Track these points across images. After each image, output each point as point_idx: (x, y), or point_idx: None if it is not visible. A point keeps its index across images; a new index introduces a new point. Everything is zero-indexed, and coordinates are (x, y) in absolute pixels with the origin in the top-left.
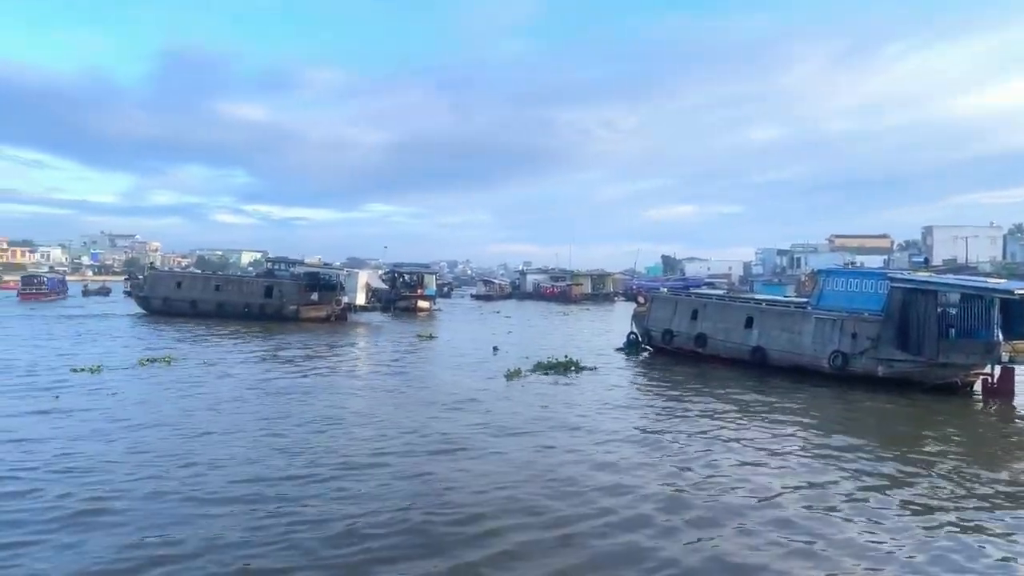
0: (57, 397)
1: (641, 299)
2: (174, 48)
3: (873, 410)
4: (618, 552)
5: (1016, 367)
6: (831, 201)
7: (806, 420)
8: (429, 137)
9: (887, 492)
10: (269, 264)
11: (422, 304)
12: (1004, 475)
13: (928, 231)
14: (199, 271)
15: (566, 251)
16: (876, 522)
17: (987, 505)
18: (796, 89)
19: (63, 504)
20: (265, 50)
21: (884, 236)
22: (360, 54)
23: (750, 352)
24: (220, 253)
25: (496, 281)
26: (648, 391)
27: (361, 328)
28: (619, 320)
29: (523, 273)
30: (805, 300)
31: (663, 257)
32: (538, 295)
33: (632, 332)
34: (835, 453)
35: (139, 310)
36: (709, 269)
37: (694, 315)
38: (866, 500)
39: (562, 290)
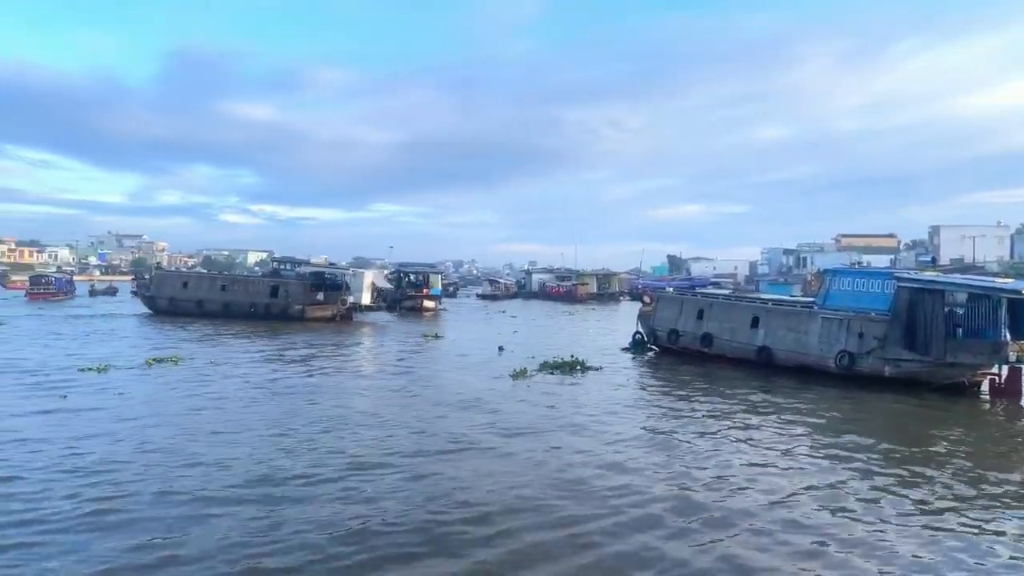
0: (64, 396)
1: (647, 299)
2: (181, 48)
3: (880, 410)
4: (630, 553)
5: None
6: (837, 200)
7: (813, 420)
8: (435, 137)
9: (896, 492)
10: (275, 264)
11: (428, 304)
12: (1014, 475)
13: (935, 230)
14: (205, 271)
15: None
16: (886, 522)
17: (997, 505)
18: (802, 88)
19: (70, 504)
20: (271, 50)
21: (891, 236)
22: (366, 54)
23: (756, 352)
24: (227, 253)
25: (502, 281)
26: (655, 391)
27: (367, 328)
28: (625, 320)
29: (529, 273)
30: (811, 300)
31: (669, 257)
32: (544, 295)
33: (638, 332)
34: (843, 453)
35: (145, 310)
36: (715, 269)
37: (700, 315)
38: (876, 501)
39: (568, 290)
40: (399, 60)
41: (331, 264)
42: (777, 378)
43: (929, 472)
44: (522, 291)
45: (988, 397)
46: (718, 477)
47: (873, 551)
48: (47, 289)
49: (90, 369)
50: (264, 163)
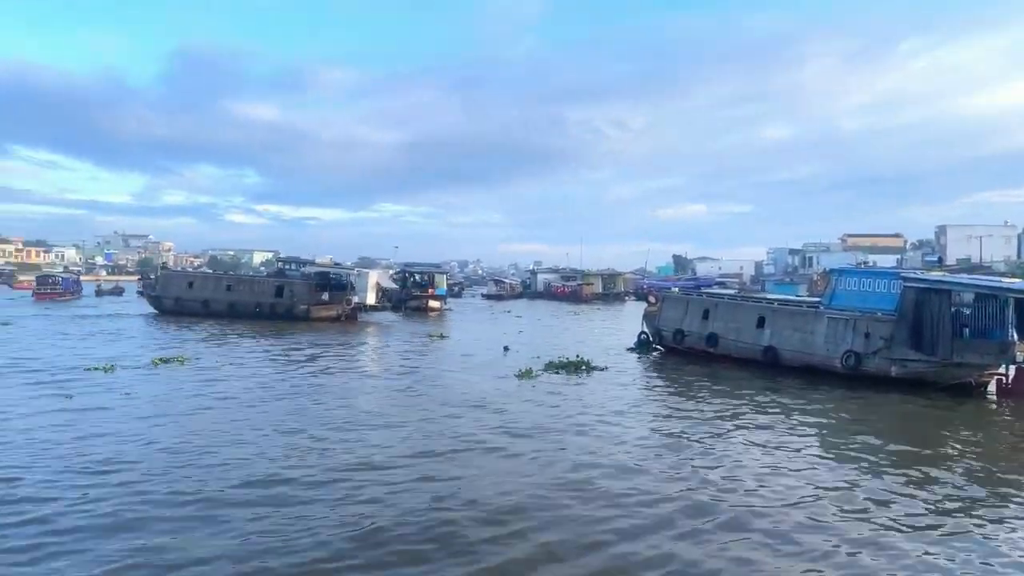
0: (71, 396)
1: (652, 299)
2: (184, 48)
3: (888, 410)
4: (641, 554)
5: None
6: (842, 200)
7: (821, 420)
8: (439, 136)
9: (906, 492)
10: (280, 264)
11: (433, 304)
12: (1023, 476)
13: (942, 230)
14: (211, 271)
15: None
16: (896, 522)
17: (1006, 505)
18: (805, 88)
19: (77, 504)
20: (274, 50)
21: (897, 235)
22: (369, 54)
23: (762, 352)
24: (232, 253)
25: (507, 281)
26: (661, 391)
27: (372, 328)
28: (630, 320)
29: (534, 272)
30: (817, 300)
31: (674, 257)
32: (549, 295)
33: (643, 332)
34: (852, 453)
35: (151, 310)
36: (720, 269)
37: (705, 315)
38: (886, 501)
39: (573, 290)
40: (402, 60)
41: (336, 264)
42: (783, 378)
43: (938, 472)
44: (527, 291)
45: (995, 397)
46: (728, 478)
47: (884, 551)
48: (54, 289)
49: (96, 369)
50: (269, 163)
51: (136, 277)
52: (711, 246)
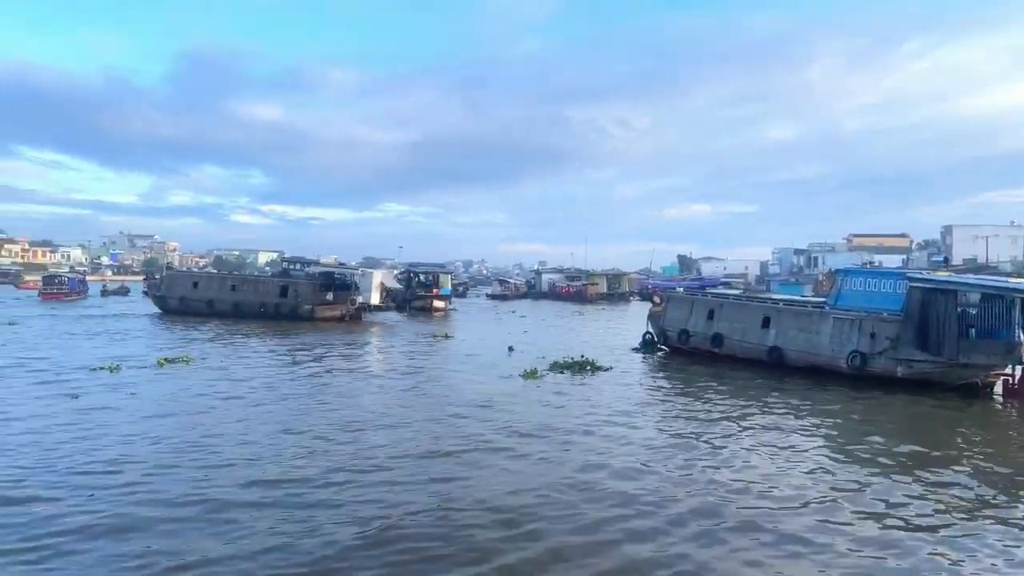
0: (76, 396)
1: (657, 299)
2: (190, 49)
3: (896, 411)
4: (653, 556)
5: None
6: (846, 200)
7: (829, 421)
8: (443, 136)
9: (916, 494)
10: (285, 264)
11: (437, 304)
12: None
13: (947, 230)
14: (215, 271)
15: (581, 250)
16: (908, 523)
17: (1017, 506)
18: (809, 88)
19: (82, 507)
20: (278, 50)
21: (903, 235)
22: (372, 54)
23: (767, 352)
24: (237, 253)
25: (511, 281)
26: (667, 391)
27: (376, 328)
28: (635, 320)
29: (538, 272)
30: (823, 300)
31: (679, 257)
32: (553, 295)
33: (648, 332)
34: (861, 455)
35: (156, 310)
36: (725, 269)
37: (710, 315)
38: (897, 503)
39: (578, 290)
40: (404, 60)
41: (341, 264)
42: (789, 379)
43: (947, 473)
44: (532, 291)
45: (1002, 398)
46: (738, 479)
47: (895, 552)
48: (60, 289)
49: (102, 368)
50: (273, 163)
51: (141, 277)
52: (716, 246)
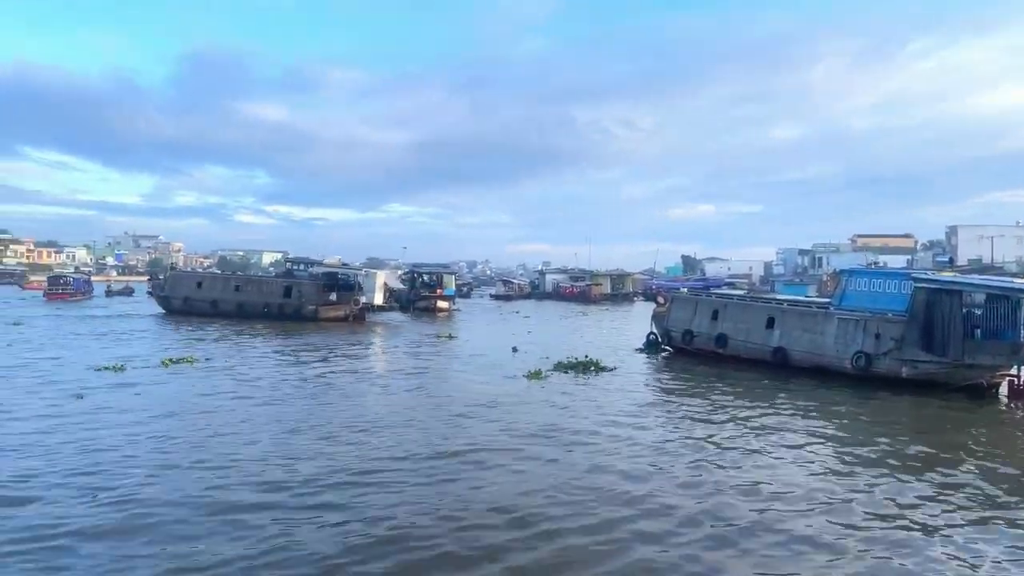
0: (81, 396)
1: (661, 299)
2: (195, 49)
3: (901, 412)
4: (666, 558)
5: None
6: (851, 200)
7: (836, 422)
8: (446, 136)
9: (927, 495)
10: (288, 264)
11: (441, 304)
12: None
13: (952, 231)
14: (219, 271)
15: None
16: (919, 524)
17: None
18: (816, 88)
19: (87, 508)
20: (282, 51)
21: (908, 236)
22: (376, 54)
23: (771, 353)
24: (242, 253)
25: (515, 281)
26: (672, 392)
27: (380, 328)
28: (639, 320)
29: (542, 273)
30: (827, 300)
31: (683, 257)
32: (558, 295)
33: (652, 332)
34: (870, 455)
35: (160, 310)
36: (729, 269)
37: (714, 315)
38: (908, 504)
39: (582, 290)
40: (408, 60)
41: (344, 264)
42: (794, 379)
43: (956, 474)
44: (536, 291)
45: (1007, 399)
46: (748, 480)
47: (908, 552)
48: (65, 289)
49: (107, 369)
50: (278, 164)
51: (146, 278)
52: (720, 246)
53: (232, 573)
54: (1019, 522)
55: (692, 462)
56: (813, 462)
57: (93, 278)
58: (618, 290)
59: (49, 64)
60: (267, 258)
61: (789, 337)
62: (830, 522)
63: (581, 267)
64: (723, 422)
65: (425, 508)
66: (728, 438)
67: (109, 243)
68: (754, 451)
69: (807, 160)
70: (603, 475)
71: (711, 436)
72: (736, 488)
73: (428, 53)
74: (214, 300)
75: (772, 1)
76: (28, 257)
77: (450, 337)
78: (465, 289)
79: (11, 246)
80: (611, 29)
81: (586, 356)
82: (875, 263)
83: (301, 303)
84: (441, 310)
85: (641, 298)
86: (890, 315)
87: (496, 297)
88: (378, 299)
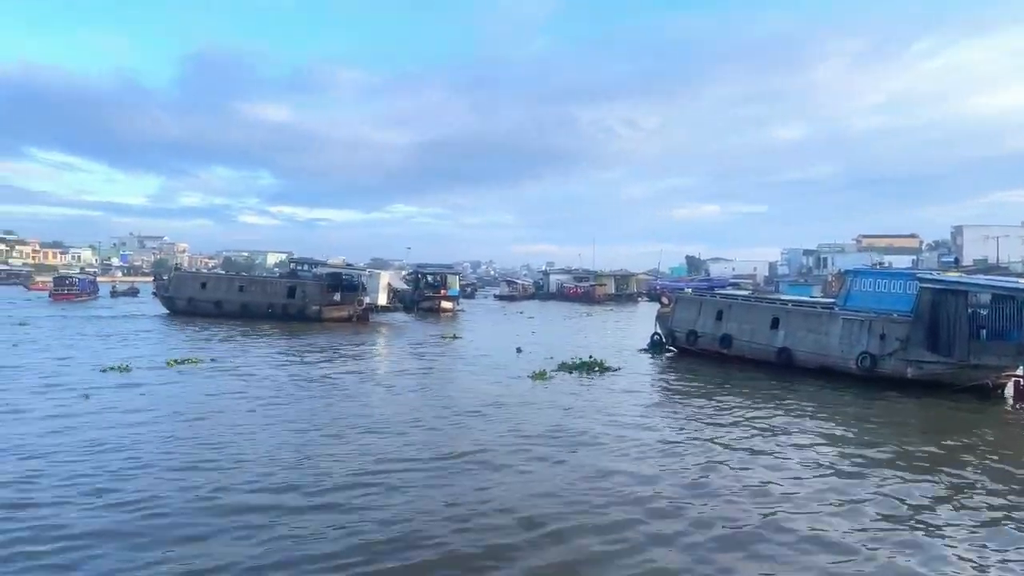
0: (87, 397)
1: (665, 300)
2: (198, 50)
3: (908, 413)
4: (678, 560)
5: None
6: (858, 200)
7: (843, 423)
8: (450, 137)
9: (938, 496)
10: (292, 265)
11: (445, 305)
12: None
13: (958, 231)
14: (223, 272)
15: (589, 251)
16: (929, 525)
17: None
18: (822, 87)
19: (92, 509)
20: (286, 51)
21: (913, 236)
22: (379, 54)
23: (776, 353)
24: (246, 254)
25: (519, 282)
26: (678, 393)
27: (384, 328)
28: (643, 321)
29: (546, 273)
30: (832, 301)
31: (687, 257)
32: (561, 295)
33: (656, 333)
34: (879, 456)
35: (165, 310)
36: (734, 269)
37: (719, 316)
38: (918, 505)
39: (586, 290)
40: (411, 60)
41: (348, 265)
42: (799, 380)
43: (966, 475)
44: (540, 292)
45: (1012, 400)
46: (757, 482)
47: (916, 551)
48: (70, 290)
49: (112, 369)
50: (282, 164)
51: (151, 278)
52: (724, 246)
53: (240, 573)
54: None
55: (700, 463)
56: (821, 463)
57: (98, 279)
58: (622, 290)
59: (54, 65)
60: (271, 259)
61: (794, 337)
62: (839, 522)
63: (585, 267)
64: (729, 423)
65: (433, 509)
66: (735, 439)
67: (114, 244)
68: (762, 452)
69: (811, 160)
70: (611, 476)
71: (718, 437)
72: (745, 489)
73: (430, 53)
74: (218, 301)
75: (774, 1)
76: (34, 258)
77: (454, 338)
78: (469, 289)
79: (17, 247)
80: (613, 29)
81: (590, 356)
82: (880, 263)
83: (305, 303)
84: (445, 310)
85: (645, 298)
86: (895, 315)
87: (500, 297)
88: (382, 299)
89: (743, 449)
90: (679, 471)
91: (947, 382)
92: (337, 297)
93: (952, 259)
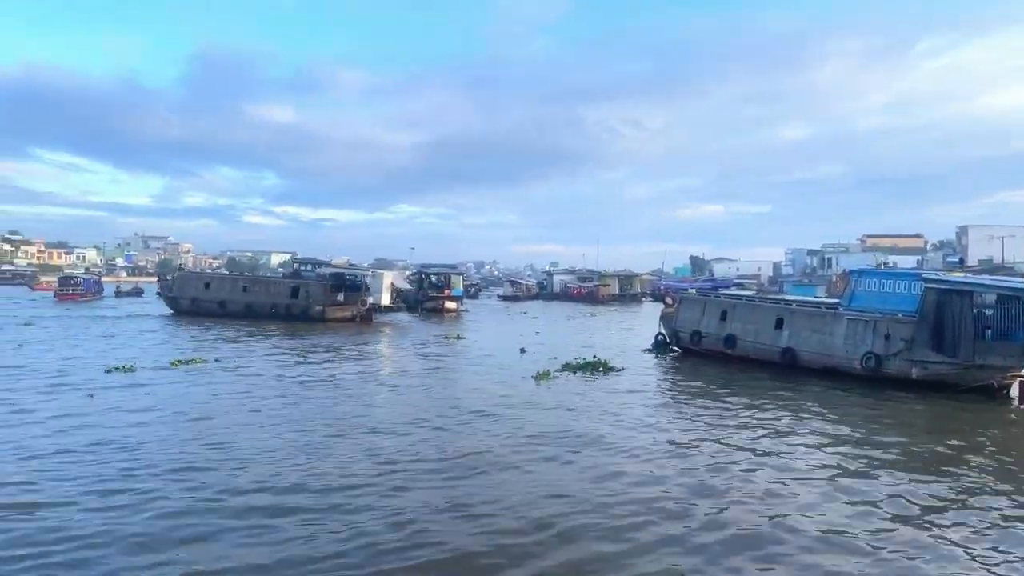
0: (92, 396)
1: (669, 300)
2: (202, 50)
3: (915, 413)
4: (691, 561)
5: None
6: (862, 200)
7: (849, 424)
8: (455, 137)
9: (948, 497)
10: (296, 265)
11: (449, 305)
12: None
13: (963, 231)
14: (227, 272)
15: (593, 251)
16: (940, 525)
17: None
18: (825, 87)
19: (95, 511)
20: (290, 52)
21: (918, 236)
22: (383, 55)
23: (780, 353)
24: (250, 254)
25: (523, 282)
26: (682, 393)
27: (387, 328)
28: (647, 321)
29: (550, 274)
30: (836, 301)
31: (691, 257)
32: (565, 296)
33: (660, 333)
34: (887, 457)
35: (169, 311)
36: (738, 270)
37: (723, 316)
38: (928, 507)
39: (589, 291)
40: (416, 61)
41: (352, 265)
42: (803, 380)
43: (975, 475)
44: (543, 292)
45: (1017, 400)
46: (766, 482)
47: (927, 551)
48: (75, 290)
49: (117, 369)
50: (286, 165)
51: (155, 278)
52: (728, 247)
53: (246, 574)
54: None
55: (707, 464)
56: (828, 463)
57: (103, 279)
58: (626, 291)
59: (58, 66)
60: (275, 259)
61: (798, 338)
62: (848, 523)
63: (589, 268)
64: (735, 424)
65: (440, 509)
66: (742, 440)
67: (119, 244)
68: (769, 452)
69: (815, 160)
70: (619, 477)
71: (725, 437)
72: (754, 490)
73: (434, 53)
74: (222, 301)
75: (777, 1)
76: (39, 258)
77: (458, 338)
78: (473, 290)
79: (22, 247)
80: (618, 29)
81: (594, 357)
82: (885, 263)
83: (308, 304)
84: (449, 311)
85: (649, 299)
86: (900, 316)
87: (504, 298)
88: (385, 300)
89: (750, 450)
90: (687, 472)
91: (952, 383)
92: (341, 297)
93: (957, 259)
